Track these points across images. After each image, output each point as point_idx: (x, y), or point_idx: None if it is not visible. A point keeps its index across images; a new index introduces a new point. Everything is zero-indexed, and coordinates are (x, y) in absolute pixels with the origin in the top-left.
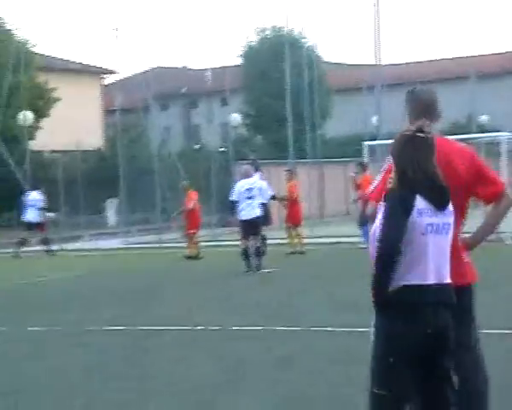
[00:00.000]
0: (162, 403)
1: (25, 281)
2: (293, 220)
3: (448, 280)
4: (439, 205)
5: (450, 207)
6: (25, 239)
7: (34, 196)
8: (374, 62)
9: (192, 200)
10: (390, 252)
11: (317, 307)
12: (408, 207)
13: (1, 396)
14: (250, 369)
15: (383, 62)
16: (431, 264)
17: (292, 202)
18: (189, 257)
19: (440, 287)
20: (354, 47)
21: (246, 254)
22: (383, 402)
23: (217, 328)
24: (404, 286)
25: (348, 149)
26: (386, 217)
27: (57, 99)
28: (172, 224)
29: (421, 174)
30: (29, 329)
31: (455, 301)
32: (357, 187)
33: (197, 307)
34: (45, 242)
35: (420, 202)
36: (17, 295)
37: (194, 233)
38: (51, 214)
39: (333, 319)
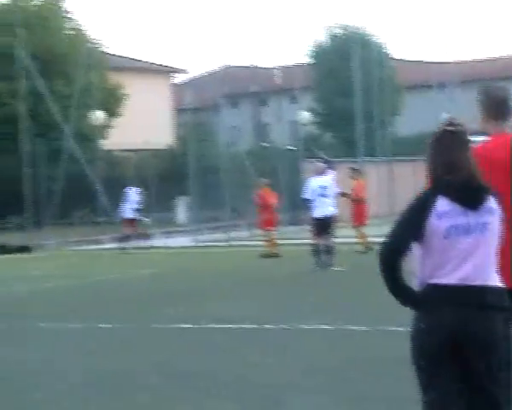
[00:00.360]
0: (230, 402)
1: (98, 278)
2: (358, 220)
3: (488, 282)
4: (471, 204)
5: (491, 204)
6: (128, 235)
7: (132, 194)
8: (444, 59)
9: (270, 197)
10: (386, 256)
11: (388, 307)
12: (425, 210)
13: (64, 393)
14: (320, 369)
15: (454, 59)
16: (461, 265)
17: (356, 202)
18: (266, 255)
19: (471, 288)
20: (423, 43)
21: (318, 251)
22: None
23: (286, 327)
24: (429, 285)
25: (418, 146)
26: (400, 216)
27: (126, 96)
28: (241, 221)
29: (450, 172)
30: (99, 326)
31: (499, 303)
32: None
33: (267, 305)
34: (125, 239)
35: (441, 205)
36: (91, 292)
37: (269, 230)
38: (146, 219)
39: (402, 319)
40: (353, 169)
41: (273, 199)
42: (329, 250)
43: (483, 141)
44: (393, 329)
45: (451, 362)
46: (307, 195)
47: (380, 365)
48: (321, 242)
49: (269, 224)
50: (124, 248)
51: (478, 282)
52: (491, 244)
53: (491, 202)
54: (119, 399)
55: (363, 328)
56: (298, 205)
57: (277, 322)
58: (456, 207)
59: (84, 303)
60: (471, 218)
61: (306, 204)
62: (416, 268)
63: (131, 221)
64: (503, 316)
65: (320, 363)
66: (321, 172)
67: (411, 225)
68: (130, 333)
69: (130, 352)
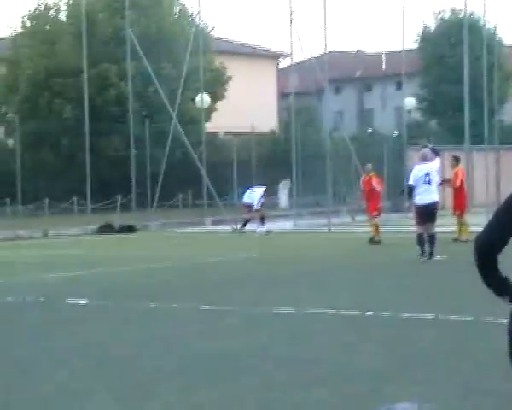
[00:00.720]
0: (341, 388)
1: (200, 260)
2: (458, 208)
3: None
4: None
5: None
6: (247, 219)
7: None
8: None
9: (376, 183)
10: (481, 250)
11: (487, 297)
12: None
13: (174, 372)
14: (422, 358)
15: None
16: None
17: (456, 190)
18: (372, 241)
19: None
20: None
21: (420, 239)
22: None
23: (387, 314)
24: None
25: None
26: (498, 209)
27: (231, 78)
28: (343, 207)
29: None
30: (201, 307)
31: None
32: None
33: (369, 292)
34: (245, 223)
35: None
36: (193, 273)
37: (374, 216)
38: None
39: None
40: (454, 157)
41: (379, 185)
42: (431, 239)
43: None
44: (499, 321)
45: None
46: (411, 181)
47: (487, 356)
48: (424, 230)
49: (374, 210)
50: (243, 231)
51: None
52: None
53: None
54: (227, 381)
55: (467, 318)
56: (400, 192)
57: (379, 309)
58: None
59: (186, 284)
60: None
61: (410, 191)
62: None
63: (251, 207)
64: None
65: (424, 352)
66: (426, 159)
67: (509, 218)
68: (235, 316)
69: (235, 335)
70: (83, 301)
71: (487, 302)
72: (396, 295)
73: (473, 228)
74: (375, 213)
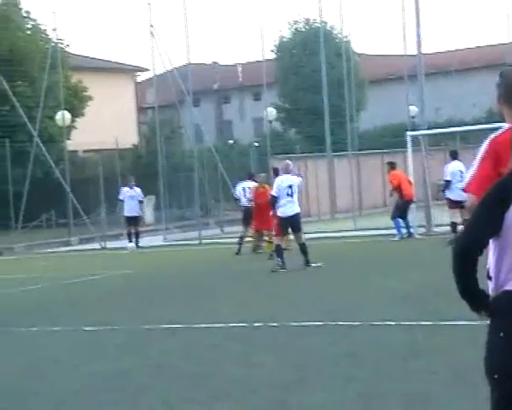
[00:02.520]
0: (245, 400)
1: (73, 280)
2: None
3: None
4: None
5: None
6: (129, 233)
7: (133, 191)
8: (403, 52)
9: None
10: (461, 252)
11: (371, 301)
12: (503, 199)
13: (70, 395)
14: (318, 366)
15: (413, 52)
16: None
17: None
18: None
19: None
20: (386, 37)
21: (279, 250)
22: None
23: (275, 324)
24: (504, 292)
25: (383, 140)
26: (475, 209)
27: (90, 98)
28: (210, 219)
29: None
30: (84, 328)
31: None
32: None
33: (252, 303)
34: (137, 235)
35: None
36: (68, 293)
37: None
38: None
39: (390, 313)
40: (388, 163)
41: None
42: (303, 248)
43: (504, 129)
44: (384, 323)
45: None
46: (274, 193)
47: (380, 360)
48: (282, 242)
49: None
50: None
51: None
52: None
53: None
54: (122, 401)
55: (356, 323)
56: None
57: (266, 320)
58: None
59: (63, 305)
60: None
61: (275, 201)
62: (492, 271)
63: (137, 219)
64: None
65: (319, 360)
66: (288, 171)
67: (488, 218)
68: (121, 335)
69: (125, 354)
70: None
71: (375, 306)
72: (278, 304)
73: (338, 234)
74: (267, 227)
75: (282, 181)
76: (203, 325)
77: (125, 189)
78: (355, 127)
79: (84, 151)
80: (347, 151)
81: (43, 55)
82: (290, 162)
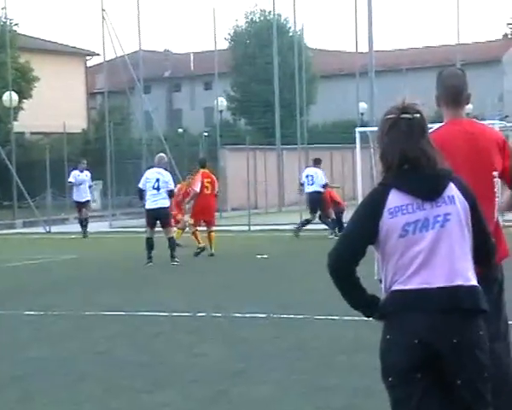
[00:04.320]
0: (187, 390)
1: (16, 263)
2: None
3: (457, 282)
4: (427, 195)
5: (452, 192)
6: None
7: (83, 175)
8: (355, 49)
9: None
10: (336, 268)
11: (318, 295)
12: (376, 207)
13: (9, 380)
14: (262, 358)
15: (364, 49)
16: (423, 266)
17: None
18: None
19: (437, 291)
20: (338, 33)
21: (149, 243)
22: None
23: (220, 314)
24: (392, 293)
25: (333, 135)
26: (348, 221)
27: (37, 79)
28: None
29: (405, 162)
30: (26, 313)
31: (472, 305)
32: None
33: (195, 292)
34: (86, 221)
35: (394, 200)
36: (10, 277)
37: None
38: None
39: (335, 307)
40: (316, 159)
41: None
42: (171, 244)
43: (439, 126)
44: (330, 318)
45: (425, 376)
46: (140, 185)
47: (325, 353)
48: (152, 234)
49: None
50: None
51: (445, 283)
52: (457, 237)
53: (452, 190)
54: (63, 387)
55: (300, 316)
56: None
57: (210, 310)
58: (411, 200)
59: (6, 289)
60: (429, 211)
61: (140, 194)
62: (381, 274)
63: (86, 204)
64: (479, 320)
65: (263, 352)
66: (160, 164)
67: (362, 226)
68: (63, 321)
69: (66, 340)
70: None
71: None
72: (224, 294)
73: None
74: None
75: (150, 174)
76: (147, 313)
77: (75, 172)
78: (305, 121)
79: (32, 133)
80: (297, 145)
81: None
82: (164, 155)
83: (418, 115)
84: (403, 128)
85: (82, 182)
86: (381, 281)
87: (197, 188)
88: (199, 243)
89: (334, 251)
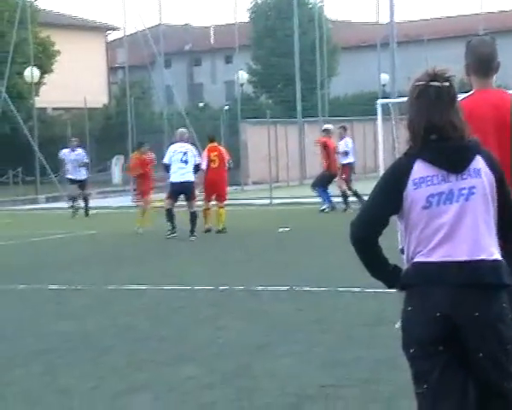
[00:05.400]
0: (209, 364)
1: (38, 238)
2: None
3: (480, 256)
4: (453, 167)
5: (478, 165)
6: (73, 196)
7: (73, 154)
8: (375, 20)
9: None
10: (358, 238)
11: (340, 267)
12: (401, 177)
13: (33, 355)
14: (284, 331)
15: (385, 20)
16: (447, 238)
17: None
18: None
19: (460, 265)
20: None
21: (170, 215)
22: (421, 401)
23: (242, 288)
24: (414, 264)
25: (354, 107)
26: (371, 191)
27: (58, 52)
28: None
29: (432, 131)
30: (49, 287)
31: (495, 279)
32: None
33: (218, 266)
34: (86, 201)
35: (418, 170)
36: (32, 252)
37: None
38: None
39: (358, 280)
40: (342, 127)
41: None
42: (192, 217)
43: (466, 96)
44: (351, 290)
45: (446, 349)
46: (166, 160)
47: (346, 326)
48: (172, 206)
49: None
50: (72, 207)
51: (467, 256)
52: (481, 211)
53: (479, 163)
54: (87, 361)
55: (323, 289)
56: (236, 165)
57: (232, 283)
58: (436, 172)
59: (29, 264)
60: (454, 183)
61: (166, 169)
62: (403, 245)
63: (83, 182)
64: (502, 294)
65: (285, 325)
66: (183, 139)
67: (386, 196)
68: (85, 295)
69: (89, 315)
70: None
71: (342, 273)
72: (244, 268)
73: (307, 200)
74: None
75: (174, 149)
76: (168, 287)
77: (65, 151)
78: (326, 94)
79: (53, 109)
80: (318, 117)
81: (13, 10)
82: (185, 130)
83: (447, 84)
84: (431, 96)
85: (71, 161)
86: (402, 252)
87: (203, 165)
88: (205, 223)
89: (358, 220)
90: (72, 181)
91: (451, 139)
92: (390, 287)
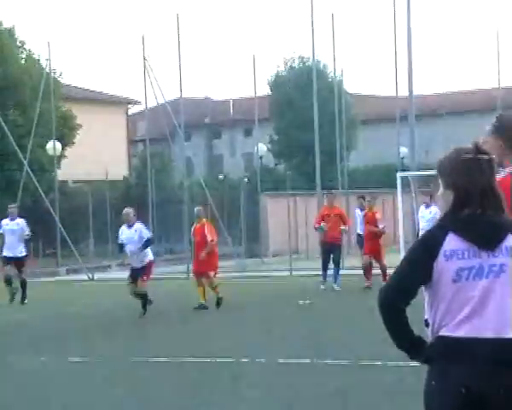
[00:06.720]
0: None
1: (58, 310)
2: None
3: (506, 334)
4: (485, 243)
5: (511, 244)
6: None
7: (15, 223)
8: (394, 94)
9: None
10: (386, 306)
11: (360, 340)
12: (432, 248)
13: None
14: (305, 404)
15: (404, 94)
16: (474, 314)
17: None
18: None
19: (485, 342)
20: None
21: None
22: None
23: (263, 360)
24: (438, 338)
25: (373, 178)
26: (402, 260)
27: (80, 126)
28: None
29: (471, 202)
30: (70, 360)
31: None
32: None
33: (236, 338)
34: (24, 286)
35: (450, 243)
36: (54, 323)
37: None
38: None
39: (379, 353)
40: (368, 200)
41: (214, 235)
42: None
43: (503, 172)
44: (373, 363)
45: None
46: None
47: (366, 399)
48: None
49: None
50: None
51: (495, 334)
52: (511, 289)
53: (511, 241)
54: None
55: (344, 362)
56: (256, 237)
57: (253, 356)
58: (468, 246)
59: (48, 336)
60: (485, 259)
61: (121, 249)
62: (428, 317)
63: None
64: None
65: (307, 398)
66: (128, 220)
67: (416, 266)
68: (107, 367)
69: (110, 386)
70: None
71: (364, 343)
72: (266, 340)
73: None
74: (214, 270)
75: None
76: (190, 360)
77: (4, 221)
78: (345, 166)
79: (74, 182)
80: (337, 189)
81: (36, 85)
82: (130, 211)
83: (489, 156)
84: (481, 169)
85: (11, 232)
86: (427, 324)
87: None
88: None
89: (387, 287)
90: (7, 258)
91: (487, 213)
92: (413, 358)
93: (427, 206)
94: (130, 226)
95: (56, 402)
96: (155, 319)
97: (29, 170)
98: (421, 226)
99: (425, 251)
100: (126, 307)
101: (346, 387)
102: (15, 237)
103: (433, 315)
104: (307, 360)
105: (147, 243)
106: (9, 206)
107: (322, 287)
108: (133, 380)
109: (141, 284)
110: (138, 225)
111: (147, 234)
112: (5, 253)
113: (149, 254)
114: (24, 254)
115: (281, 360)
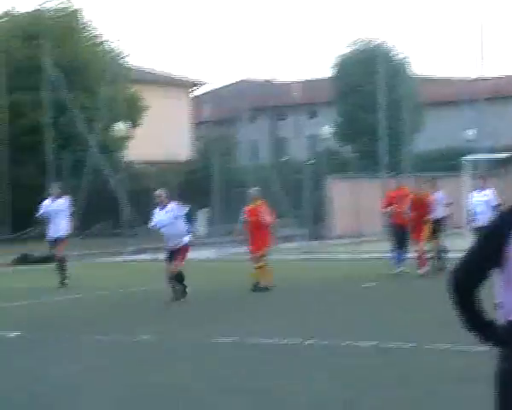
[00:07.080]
0: None
1: (132, 289)
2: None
3: None
4: None
5: None
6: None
7: (54, 205)
8: (467, 76)
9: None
10: (457, 288)
11: (425, 323)
12: (503, 232)
13: (118, 403)
14: (368, 387)
15: (478, 76)
16: None
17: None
18: (255, 286)
19: None
20: (447, 60)
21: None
22: None
23: (327, 343)
24: (508, 322)
25: (439, 163)
26: (472, 243)
27: (146, 108)
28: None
29: None
30: (143, 337)
31: None
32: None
33: (301, 321)
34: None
35: None
36: (126, 303)
37: (260, 255)
38: None
39: (441, 337)
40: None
41: (269, 217)
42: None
43: None
44: (435, 347)
45: None
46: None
47: (433, 384)
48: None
49: (261, 247)
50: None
51: None
52: None
53: None
54: None
55: (408, 345)
56: (321, 219)
57: (318, 338)
58: None
59: (120, 315)
60: None
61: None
62: (500, 300)
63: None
64: None
65: (369, 381)
66: (161, 202)
67: (488, 250)
68: (182, 346)
69: (184, 366)
70: (13, 334)
71: (427, 328)
72: (328, 323)
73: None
74: (261, 251)
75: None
76: (255, 341)
77: (46, 202)
78: (410, 149)
79: (141, 162)
80: (402, 173)
81: (104, 67)
82: (161, 192)
83: None
84: None
85: (52, 214)
86: (499, 308)
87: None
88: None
89: (459, 269)
90: (50, 242)
91: None
92: (483, 341)
93: (481, 189)
94: (163, 208)
95: (124, 380)
96: (220, 301)
97: (97, 152)
98: (478, 210)
99: (495, 234)
100: (198, 286)
101: (409, 371)
102: (57, 217)
103: (506, 298)
104: (371, 343)
105: (188, 217)
106: (52, 184)
107: (397, 270)
108: (199, 360)
109: (175, 266)
110: (171, 206)
111: (183, 210)
112: (50, 233)
113: (185, 238)
114: (63, 233)
115: (345, 343)
